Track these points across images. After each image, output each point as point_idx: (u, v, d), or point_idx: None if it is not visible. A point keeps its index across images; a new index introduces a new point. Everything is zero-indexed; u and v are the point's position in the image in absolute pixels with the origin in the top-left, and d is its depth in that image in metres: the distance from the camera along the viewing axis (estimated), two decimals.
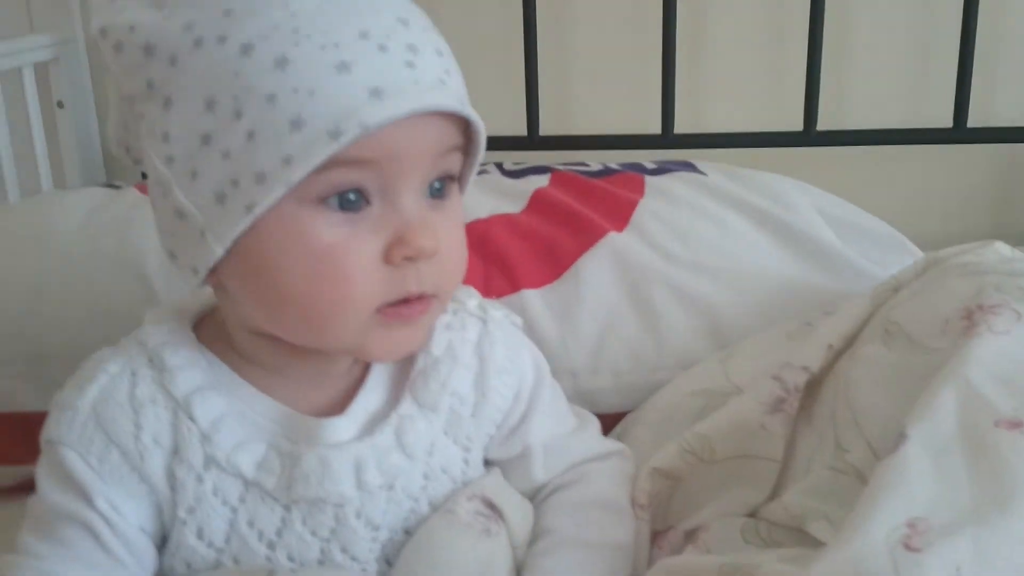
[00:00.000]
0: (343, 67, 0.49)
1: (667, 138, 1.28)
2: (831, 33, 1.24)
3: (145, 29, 0.52)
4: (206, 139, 0.50)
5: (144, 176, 0.92)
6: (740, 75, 1.38)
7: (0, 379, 0.75)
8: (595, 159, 1.27)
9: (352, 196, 0.52)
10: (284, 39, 0.50)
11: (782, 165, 1.29)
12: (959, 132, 1.26)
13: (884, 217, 1.12)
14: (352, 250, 0.52)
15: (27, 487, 0.73)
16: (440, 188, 0.55)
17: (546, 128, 1.31)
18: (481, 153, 0.57)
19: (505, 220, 0.81)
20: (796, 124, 1.27)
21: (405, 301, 0.54)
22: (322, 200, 0.51)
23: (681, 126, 1.28)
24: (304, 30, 0.50)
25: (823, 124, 1.27)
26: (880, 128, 1.29)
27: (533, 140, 1.29)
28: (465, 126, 0.55)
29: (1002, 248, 0.71)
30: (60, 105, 1.40)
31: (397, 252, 0.52)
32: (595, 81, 1.40)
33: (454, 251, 0.56)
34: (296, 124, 0.49)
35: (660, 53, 1.25)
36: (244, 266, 0.53)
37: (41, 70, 1.36)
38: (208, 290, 0.59)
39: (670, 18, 1.23)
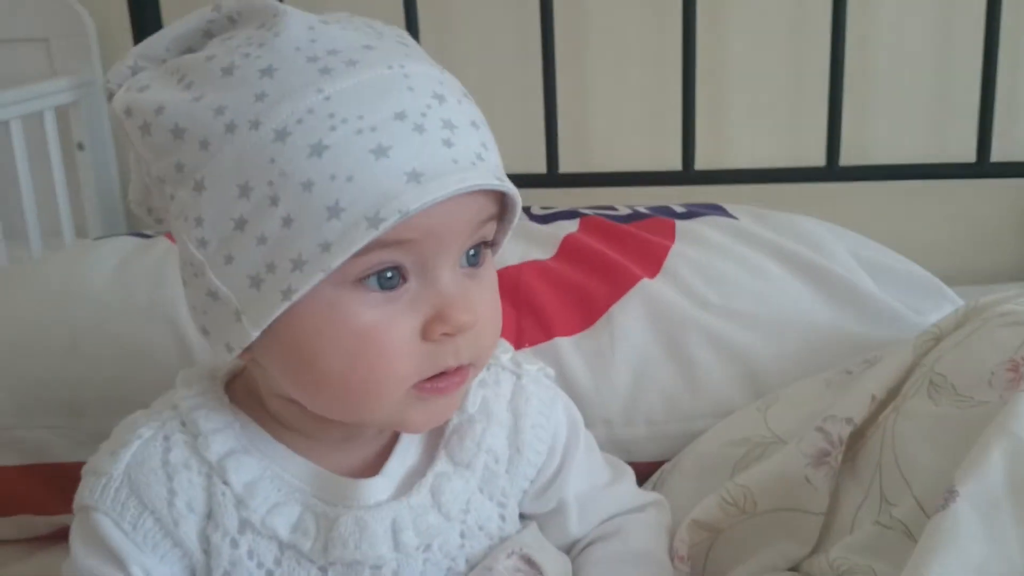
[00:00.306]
0: (380, 151, 0.48)
1: (688, 174, 1.28)
2: (852, 68, 1.24)
3: (174, 111, 0.51)
4: (240, 224, 0.49)
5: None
6: (761, 111, 1.38)
7: (36, 430, 0.75)
8: (615, 196, 1.27)
9: (390, 274, 0.51)
10: (320, 124, 0.48)
11: (804, 200, 1.29)
12: (982, 167, 1.26)
13: (907, 251, 1.11)
14: (391, 330, 0.51)
15: (61, 535, 0.74)
16: (475, 255, 0.55)
17: (565, 165, 1.31)
18: (515, 220, 0.57)
19: (536, 267, 0.81)
20: (818, 159, 1.27)
21: (442, 374, 0.53)
22: (360, 281, 0.50)
23: (702, 162, 1.28)
24: (340, 114, 0.49)
25: (845, 159, 1.26)
26: (903, 163, 1.29)
27: (553, 177, 1.29)
28: (501, 194, 0.54)
29: None
30: (80, 147, 1.41)
31: (436, 329, 0.52)
32: (614, 118, 1.41)
33: (491, 320, 0.56)
34: (334, 211, 0.48)
35: (680, 89, 1.25)
36: (279, 346, 0.52)
37: (62, 113, 1.38)
38: None
39: (690, 54, 1.23)
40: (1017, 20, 1.27)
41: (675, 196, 1.21)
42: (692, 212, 0.90)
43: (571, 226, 0.86)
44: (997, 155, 1.25)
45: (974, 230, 1.40)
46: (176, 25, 0.56)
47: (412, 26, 1.26)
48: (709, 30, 1.28)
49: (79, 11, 1.38)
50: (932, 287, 0.85)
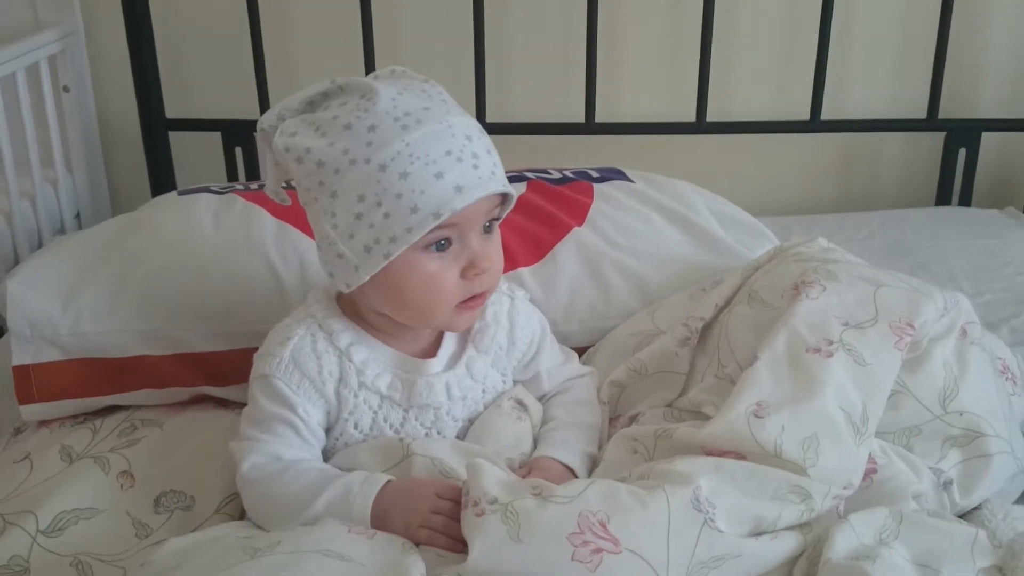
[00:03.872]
0: (439, 175, 0.95)
1: (589, 126, 1.85)
2: (720, 40, 1.83)
3: (317, 151, 0.97)
4: (359, 216, 0.96)
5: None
6: (647, 73, 1.96)
7: (178, 331, 1.25)
8: (532, 144, 1.83)
9: (443, 242, 1.00)
10: (404, 160, 0.95)
11: (678, 147, 1.89)
12: (814, 123, 1.89)
13: (757, 187, 1.71)
14: (444, 275, 1.01)
15: (196, 400, 1.27)
16: (490, 227, 1.08)
17: (492, 116, 1.85)
18: (512, 204, 1.10)
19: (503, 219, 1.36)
20: (690, 116, 1.86)
21: (472, 298, 1.07)
22: (426, 247, 0.99)
23: (600, 116, 1.85)
24: (415, 154, 0.95)
25: (711, 116, 1.86)
26: (755, 120, 1.90)
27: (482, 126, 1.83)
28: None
29: (822, 242, 1.32)
30: (66, 89, 1.85)
31: (469, 272, 1.02)
32: (531, 75, 1.96)
33: (498, 265, 1.10)
34: (413, 210, 0.95)
35: (584, 56, 1.81)
36: (379, 284, 1.00)
37: (51, 61, 1.80)
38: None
39: (593, 20, 1.79)
40: None
41: (579, 144, 1.79)
42: (604, 177, 1.47)
43: (522, 188, 1.42)
44: (827, 114, 1.88)
45: (806, 172, 2.04)
46: (305, 90, 1.06)
47: None
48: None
49: None
50: (758, 231, 1.45)
